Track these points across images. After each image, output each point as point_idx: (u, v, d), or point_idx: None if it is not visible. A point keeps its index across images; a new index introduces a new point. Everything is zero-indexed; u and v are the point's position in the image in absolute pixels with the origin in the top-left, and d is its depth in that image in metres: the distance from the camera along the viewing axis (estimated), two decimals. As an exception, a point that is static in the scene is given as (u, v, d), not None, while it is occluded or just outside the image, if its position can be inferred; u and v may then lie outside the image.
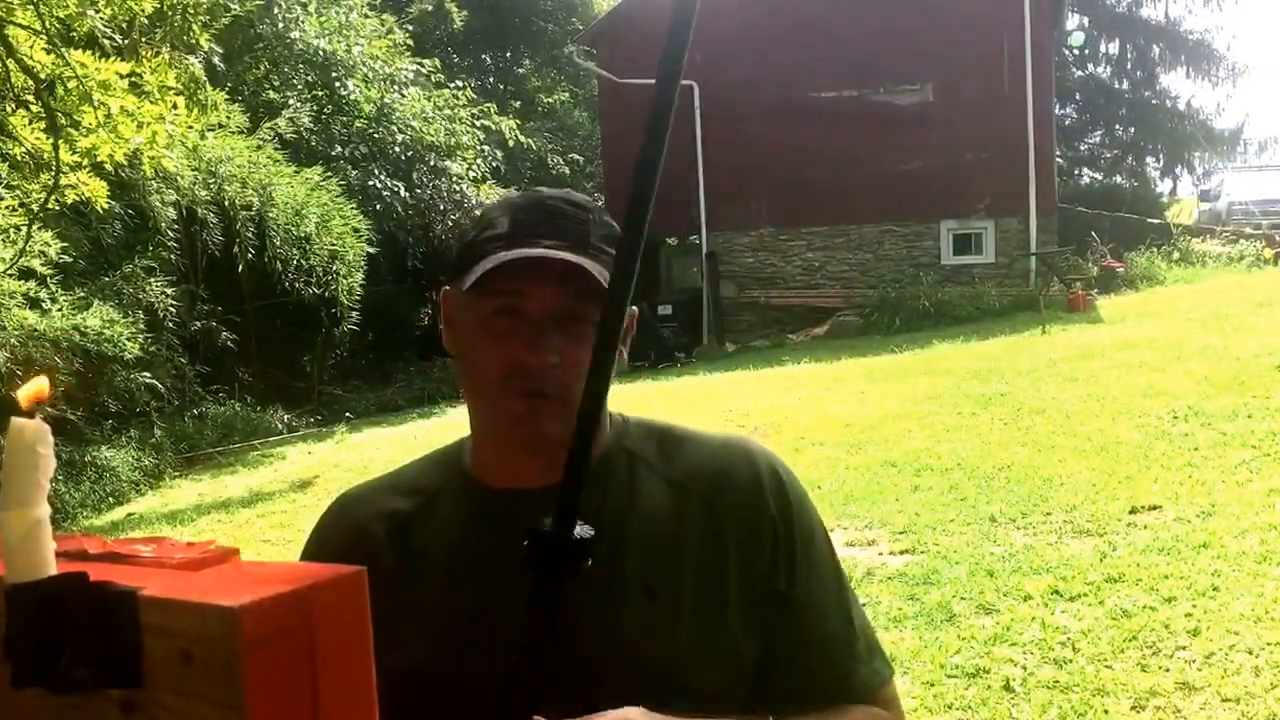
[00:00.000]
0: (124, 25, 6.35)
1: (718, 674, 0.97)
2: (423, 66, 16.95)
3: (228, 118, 11.33)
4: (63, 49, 5.77)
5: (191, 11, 6.63)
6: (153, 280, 10.84)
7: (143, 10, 6.13)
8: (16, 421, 0.57)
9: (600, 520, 0.97)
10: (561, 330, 0.95)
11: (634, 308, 1.02)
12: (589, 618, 0.93)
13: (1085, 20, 27.20)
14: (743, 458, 1.05)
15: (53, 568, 0.56)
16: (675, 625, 0.96)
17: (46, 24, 5.64)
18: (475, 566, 0.98)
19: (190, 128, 6.82)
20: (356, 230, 13.27)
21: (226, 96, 10.58)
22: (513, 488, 1.00)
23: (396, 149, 16.03)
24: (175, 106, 6.35)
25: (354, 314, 13.52)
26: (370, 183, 15.22)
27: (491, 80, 25.67)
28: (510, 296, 0.95)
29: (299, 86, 15.71)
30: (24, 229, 7.35)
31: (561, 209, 0.99)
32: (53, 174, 6.02)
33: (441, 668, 0.95)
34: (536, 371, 0.94)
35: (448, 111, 16.80)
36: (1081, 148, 28.28)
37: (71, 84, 5.79)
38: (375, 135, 15.95)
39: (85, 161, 6.08)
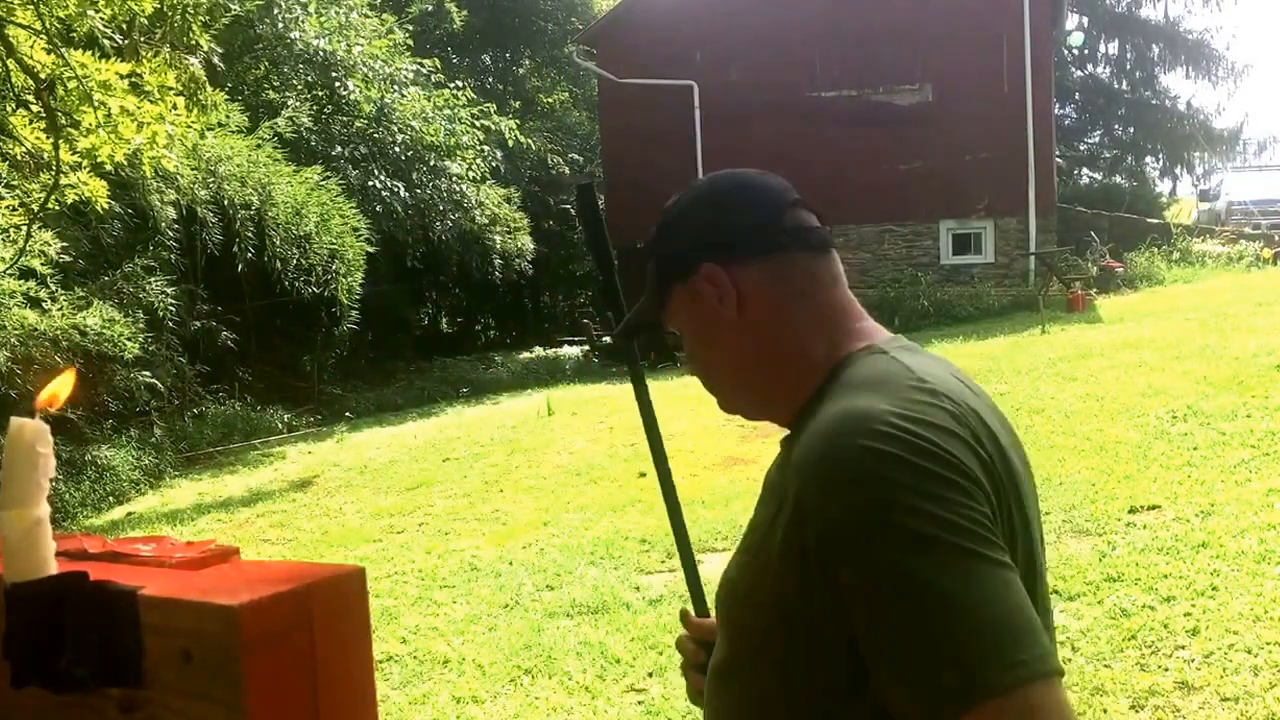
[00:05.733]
0: (124, 25, 6.36)
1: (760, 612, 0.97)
2: (423, 66, 16.94)
3: (228, 117, 11.35)
4: (63, 49, 5.77)
5: (191, 11, 6.64)
6: (153, 280, 10.83)
7: (143, 10, 6.14)
8: (16, 421, 0.57)
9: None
10: None
11: None
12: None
13: (1085, 20, 27.22)
14: (823, 449, 0.88)
15: (53, 567, 0.56)
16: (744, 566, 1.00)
17: (46, 24, 5.65)
18: None
19: (190, 128, 6.83)
20: (356, 230, 13.29)
21: (226, 96, 10.60)
22: None
23: (396, 149, 16.03)
24: (175, 106, 6.35)
25: (354, 313, 13.54)
26: (370, 183, 15.24)
27: (491, 80, 25.65)
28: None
29: (299, 86, 15.72)
30: (24, 229, 7.35)
31: None
32: (53, 174, 6.03)
33: None
34: None
35: (448, 111, 16.79)
36: (1081, 148, 28.29)
37: (71, 84, 5.80)
38: (375, 135, 15.96)
39: (85, 161, 6.09)
